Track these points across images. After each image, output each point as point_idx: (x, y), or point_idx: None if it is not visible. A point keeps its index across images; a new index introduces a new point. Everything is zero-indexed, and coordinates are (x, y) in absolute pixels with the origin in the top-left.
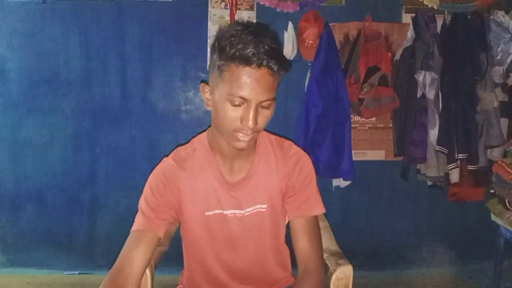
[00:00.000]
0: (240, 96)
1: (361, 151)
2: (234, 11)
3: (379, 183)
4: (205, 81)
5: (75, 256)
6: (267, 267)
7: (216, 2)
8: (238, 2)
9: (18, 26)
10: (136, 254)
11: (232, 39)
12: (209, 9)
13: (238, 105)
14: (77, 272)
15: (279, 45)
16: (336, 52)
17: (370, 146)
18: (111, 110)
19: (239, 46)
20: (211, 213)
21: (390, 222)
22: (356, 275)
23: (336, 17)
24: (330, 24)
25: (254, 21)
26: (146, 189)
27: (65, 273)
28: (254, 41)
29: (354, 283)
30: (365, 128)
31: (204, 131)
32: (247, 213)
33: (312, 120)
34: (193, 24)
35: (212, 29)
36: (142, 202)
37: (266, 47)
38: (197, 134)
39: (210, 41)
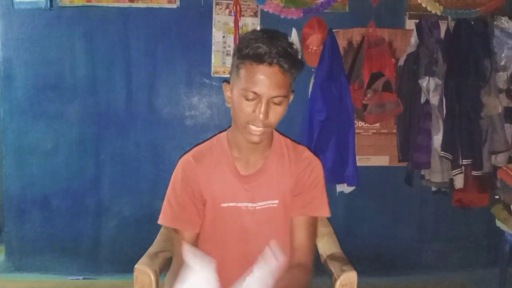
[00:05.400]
0: (253, 91)
1: (365, 156)
2: (239, 18)
3: (383, 189)
4: (227, 81)
5: (80, 261)
6: None
7: (221, 8)
8: (242, 9)
9: (25, 33)
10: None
11: (250, 41)
12: (214, 15)
13: (252, 100)
14: (81, 277)
15: (292, 47)
16: (340, 58)
17: (374, 152)
18: (116, 116)
19: (254, 46)
20: (226, 205)
21: (394, 227)
22: (360, 281)
23: (339, 24)
24: (333, 30)
25: (258, 27)
26: (172, 188)
27: (70, 278)
28: (267, 42)
29: None
30: (369, 133)
31: (224, 130)
32: (258, 207)
33: (316, 125)
34: (197, 31)
35: (217, 36)
36: (171, 199)
37: (278, 47)
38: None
39: (214, 48)
